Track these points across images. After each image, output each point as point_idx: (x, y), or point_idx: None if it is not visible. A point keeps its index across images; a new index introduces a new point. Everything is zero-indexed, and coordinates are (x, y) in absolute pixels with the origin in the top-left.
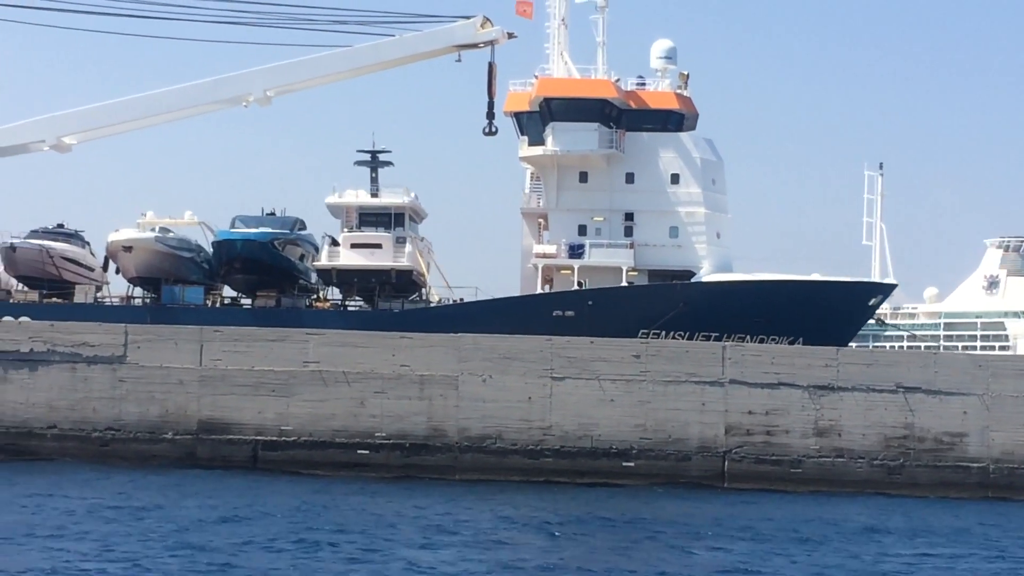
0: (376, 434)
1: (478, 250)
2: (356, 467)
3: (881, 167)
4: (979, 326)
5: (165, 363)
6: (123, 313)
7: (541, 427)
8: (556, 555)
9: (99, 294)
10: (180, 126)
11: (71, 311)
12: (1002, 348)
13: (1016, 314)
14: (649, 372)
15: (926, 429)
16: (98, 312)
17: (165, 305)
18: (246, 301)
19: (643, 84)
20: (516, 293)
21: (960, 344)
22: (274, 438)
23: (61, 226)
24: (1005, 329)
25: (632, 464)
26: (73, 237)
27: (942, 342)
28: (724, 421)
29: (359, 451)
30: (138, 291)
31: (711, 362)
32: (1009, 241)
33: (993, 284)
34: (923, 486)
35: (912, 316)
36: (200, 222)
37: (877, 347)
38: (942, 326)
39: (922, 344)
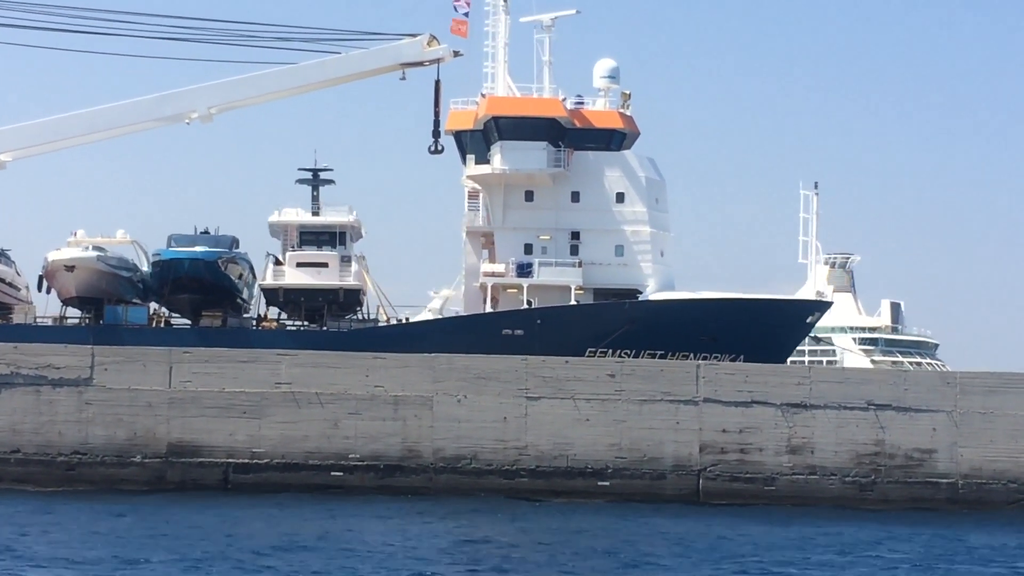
0: (350, 455)
1: (414, 268)
2: (330, 489)
3: (816, 187)
4: (807, 341)
5: (133, 385)
6: (64, 334)
7: (517, 447)
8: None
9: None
10: (106, 142)
11: (9, 332)
12: (829, 363)
13: (843, 329)
14: (624, 391)
15: (896, 446)
16: (38, 333)
17: (108, 326)
18: (181, 321)
19: (582, 103)
20: (459, 312)
21: (789, 360)
22: (246, 460)
23: None
24: (832, 344)
25: (607, 483)
26: (1, 256)
27: None
28: (698, 439)
29: (333, 472)
30: (71, 312)
31: (685, 381)
32: (835, 258)
33: None
34: (894, 502)
35: None
36: (133, 241)
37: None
38: None
39: None
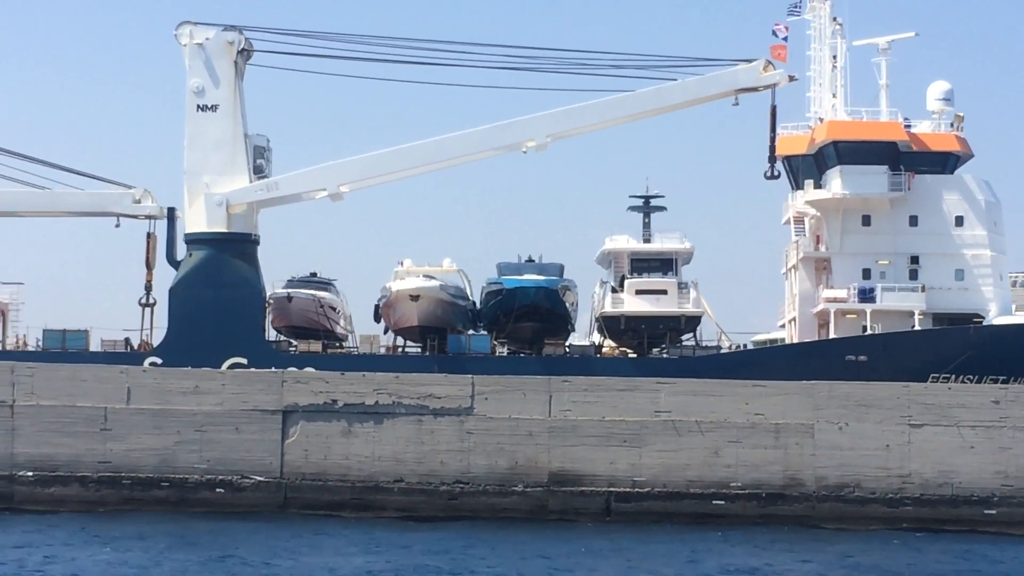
0: (731, 484)
1: (725, 292)
2: (711, 518)
3: None
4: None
5: (513, 414)
6: (411, 363)
7: (900, 475)
8: None
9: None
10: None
11: (358, 362)
12: None
13: None
14: (1009, 418)
15: None
16: (386, 362)
17: (451, 354)
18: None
19: (909, 126)
20: (785, 338)
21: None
22: (627, 489)
23: (314, 275)
24: None
25: (994, 512)
26: (329, 286)
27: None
28: None
29: (714, 501)
30: (405, 340)
31: None
32: (1017, 277)
33: None
34: None
35: None
36: (459, 269)
37: None
38: None
39: None
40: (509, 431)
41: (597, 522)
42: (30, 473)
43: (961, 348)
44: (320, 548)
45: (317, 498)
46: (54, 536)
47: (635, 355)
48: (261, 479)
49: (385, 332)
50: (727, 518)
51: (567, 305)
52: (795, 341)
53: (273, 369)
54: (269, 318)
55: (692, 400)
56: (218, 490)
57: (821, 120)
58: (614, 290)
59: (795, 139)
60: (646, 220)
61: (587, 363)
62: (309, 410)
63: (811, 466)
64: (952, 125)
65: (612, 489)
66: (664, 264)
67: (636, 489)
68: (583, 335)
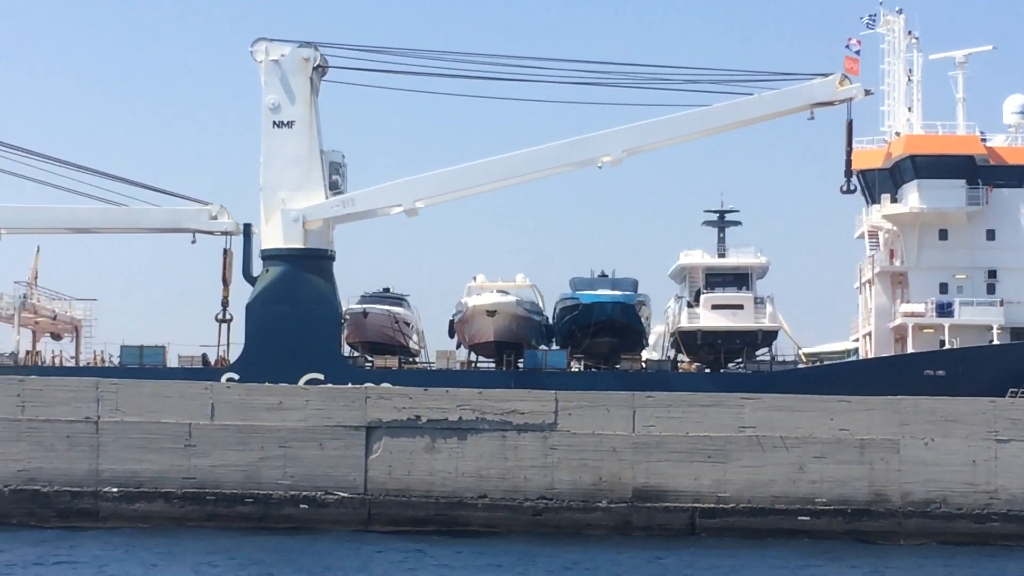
0: (816, 500)
1: (797, 306)
2: (796, 534)
3: None
4: None
5: (597, 430)
6: (487, 379)
7: (987, 491)
8: None
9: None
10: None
11: (434, 377)
12: None
13: None
14: None
15: None
16: (462, 378)
17: (527, 369)
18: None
19: (985, 139)
20: (861, 352)
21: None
22: (712, 505)
23: (387, 290)
24: None
25: None
26: (403, 301)
27: None
28: None
29: (799, 517)
30: (479, 355)
31: None
32: None
33: None
34: None
35: None
36: (532, 284)
37: None
38: None
39: None
40: (593, 447)
41: (681, 538)
42: (115, 489)
43: None
44: (409, 565)
45: (401, 514)
46: (139, 552)
47: (709, 370)
48: (345, 495)
49: (458, 347)
50: (812, 534)
51: (642, 320)
52: (871, 356)
53: (351, 385)
54: (344, 333)
55: (776, 415)
56: (302, 506)
57: (897, 134)
58: (690, 305)
59: (870, 153)
60: (721, 235)
61: (664, 378)
62: (393, 426)
63: (897, 482)
64: None
65: (696, 505)
66: (739, 279)
67: (721, 505)
68: (654, 349)
